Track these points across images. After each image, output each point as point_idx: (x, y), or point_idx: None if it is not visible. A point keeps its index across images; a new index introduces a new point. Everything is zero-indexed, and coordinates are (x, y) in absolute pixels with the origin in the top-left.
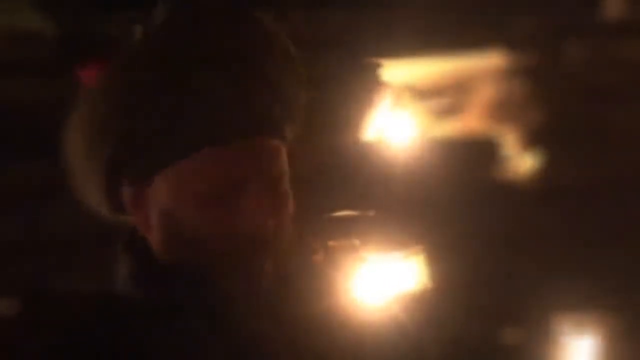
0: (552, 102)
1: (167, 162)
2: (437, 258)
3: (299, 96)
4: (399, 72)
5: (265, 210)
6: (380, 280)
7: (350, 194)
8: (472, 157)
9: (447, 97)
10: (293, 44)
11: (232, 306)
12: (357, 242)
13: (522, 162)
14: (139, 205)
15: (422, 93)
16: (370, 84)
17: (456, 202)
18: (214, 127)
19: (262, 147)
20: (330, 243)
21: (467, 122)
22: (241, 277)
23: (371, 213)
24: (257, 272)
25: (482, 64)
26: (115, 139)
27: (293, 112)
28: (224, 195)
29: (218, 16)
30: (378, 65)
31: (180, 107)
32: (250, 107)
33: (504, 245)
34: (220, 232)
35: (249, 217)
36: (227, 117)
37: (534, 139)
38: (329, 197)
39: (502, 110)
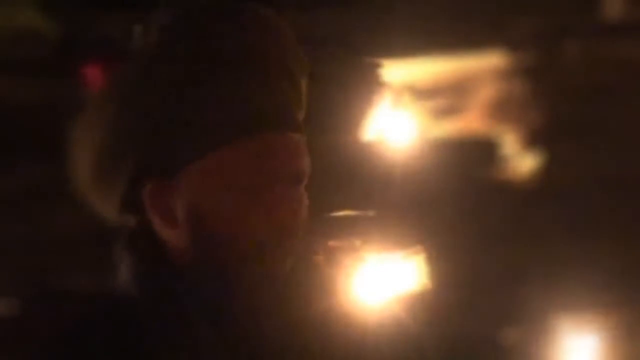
0: (552, 102)
1: (200, 154)
2: (437, 258)
3: (307, 91)
4: (399, 72)
5: (293, 206)
6: (380, 280)
7: (350, 194)
8: (472, 157)
9: (447, 97)
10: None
11: (234, 307)
12: (357, 242)
13: (522, 162)
14: (161, 202)
15: (422, 93)
16: (370, 84)
17: (456, 202)
18: (247, 120)
19: (294, 142)
20: (330, 243)
21: (467, 122)
22: (261, 273)
23: (371, 213)
24: (280, 269)
25: (482, 64)
26: (144, 135)
27: (304, 107)
28: (255, 189)
29: (234, 12)
30: (378, 65)
31: (212, 100)
32: (281, 102)
33: (504, 245)
34: (252, 226)
35: (278, 212)
36: (260, 110)
37: (534, 139)
38: (329, 197)
39: (502, 110)
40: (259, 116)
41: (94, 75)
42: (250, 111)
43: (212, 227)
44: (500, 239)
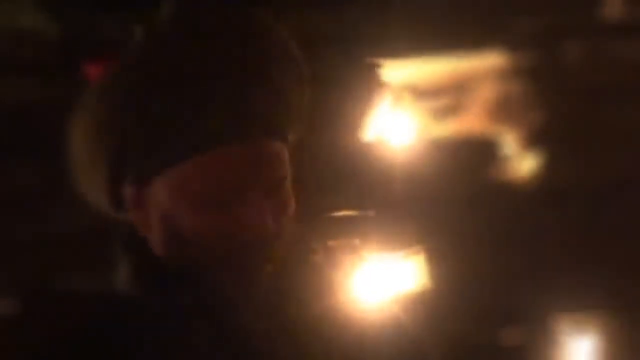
0: (552, 102)
1: (167, 164)
2: (437, 258)
3: (302, 97)
4: (399, 72)
5: (266, 214)
6: (380, 280)
7: (350, 194)
8: (472, 157)
9: (447, 97)
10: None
11: (232, 307)
12: (357, 242)
13: (522, 162)
14: (139, 205)
15: (422, 93)
16: (370, 84)
17: (456, 202)
18: (215, 130)
19: (264, 149)
20: (330, 243)
21: (467, 122)
22: (240, 279)
23: (371, 213)
24: (257, 275)
25: (482, 64)
26: (117, 139)
27: (295, 114)
28: (224, 198)
29: (220, 17)
30: (378, 65)
31: (180, 109)
32: (251, 109)
33: (504, 245)
34: (219, 235)
35: (248, 221)
36: (227, 119)
37: (534, 139)
38: (329, 197)
39: (502, 110)
40: (225, 126)
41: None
42: (215, 122)
43: (182, 236)
44: (500, 239)
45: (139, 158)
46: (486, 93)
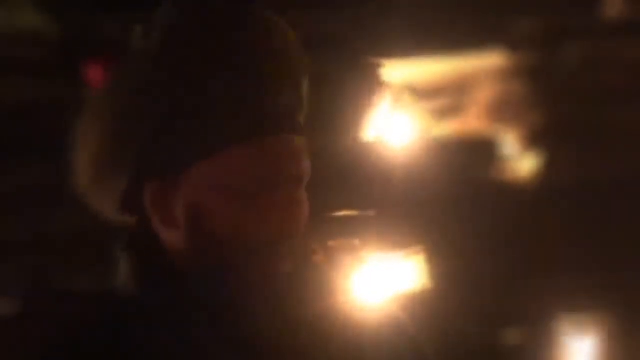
0: (552, 102)
1: (201, 157)
2: (437, 258)
3: (307, 94)
4: (399, 72)
5: (295, 209)
6: (380, 280)
7: (350, 194)
8: (472, 157)
9: (447, 97)
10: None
11: (233, 307)
12: (357, 242)
13: (522, 162)
14: (162, 202)
15: (422, 93)
16: (370, 84)
17: (456, 202)
18: (249, 122)
19: (296, 145)
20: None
21: (467, 122)
22: (262, 277)
23: (371, 213)
24: (278, 272)
25: (482, 64)
26: (146, 135)
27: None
28: (258, 192)
29: (240, 12)
30: (378, 65)
31: (213, 102)
32: (284, 105)
33: (504, 245)
34: (252, 230)
35: (280, 216)
36: (263, 113)
37: (534, 139)
38: (329, 197)
39: (502, 110)
40: (260, 119)
41: (94, 75)
42: (251, 114)
43: (211, 228)
44: (500, 240)
45: (170, 151)
46: (486, 93)
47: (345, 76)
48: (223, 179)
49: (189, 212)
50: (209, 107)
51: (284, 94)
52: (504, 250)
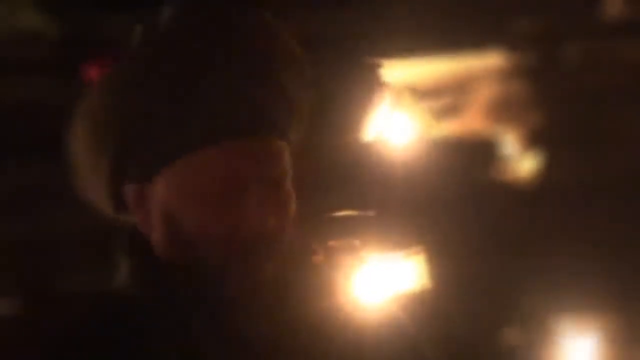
0: (552, 102)
1: (169, 160)
2: (437, 258)
3: (304, 97)
4: (399, 72)
5: (267, 211)
6: (380, 280)
7: (350, 194)
8: (472, 157)
9: (447, 97)
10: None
11: (232, 306)
12: (357, 242)
13: (522, 162)
14: (141, 204)
15: (422, 93)
16: (370, 84)
17: (456, 202)
18: (216, 126)
19: (265, 146)
20: (330, 243)
21: (467, 122)
22: (241, 277)
23: (371, 213)
24: (258, 273)
25: (482, 64)
26: (119, 136)
27: (297, 113)
28: (225, 194)
29: (222, 15)
30: (378, 65)
31: (182, 106)
32: (254, 106)
33: (504, 245)
34: (221, 233)
35: (250, 217)
36: (229, 115)
37: (534, 139)
38: (329, 197)
39: (502, 110)
40: (230, 121)
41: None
42: (222, 116)
43: (184, 232)
44: (500, 240)
45: (140, 156)
46: (486, 93)
47: (345, 76)
48: (186, 185)
49: (163, 216)
50: (179, 109)
51: (258, 95)
52: (504, 250)
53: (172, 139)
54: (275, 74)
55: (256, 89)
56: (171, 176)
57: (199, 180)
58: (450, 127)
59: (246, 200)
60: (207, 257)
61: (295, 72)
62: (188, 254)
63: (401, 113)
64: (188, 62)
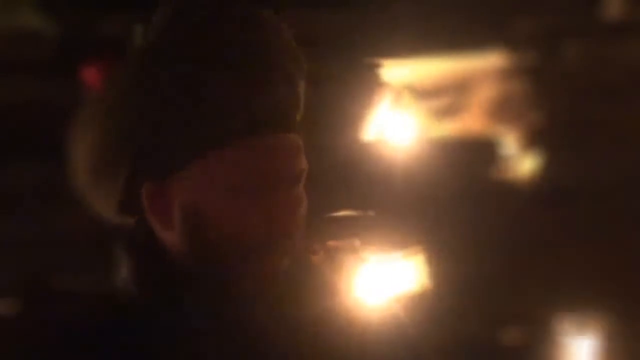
0: (552, 102)
1: (195, 155)
2: (437, 258)
3: (305, 93)
4: (399, 72)
5: (294, 207)
6: (380, 280)
7: (350, 194)
8: (472, 157)
9: (447, 97)
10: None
11: (237, 307)
12: (357, 242)
13: (522, 162)
14: (158, 202)
15: (422, 93)
16: (370, 84)
17: (456, 202)
18: (243, 120)
19: (290, 142)
20: (330, 243)
21: (467, 122)
22: (257, 276)
23: (371, 213)
24: (277, 270)
25: (482, 64)
26: (138, 135)
27: (301, 109)
28: (252, 190)
29: (234, 11)
30: (378, 65)
31: (208, 100)
32: (278, 102)
33: (504, 246)
34: (249, 228)
35: (280, 214)
36: (256, 110)
37: (534, 139)
38: (329, 197)
39: (502, 110)
40: (255, 118)
41: (94, 75)
42: (246, 113)
43: (208, 228)
44: (500, 239)
45: (163, 153)
46: (486, 93)
47: (345, 76)
48: (215, 180)
49: (186, 214)
50: (200, 107)
51: (277, 92)
52: (504, 250)
53: (197, 136)
54: (288, 71)
55: (277, 85)
56: (197, 172)
57: (225, 176)
58: (450, 127)
59: (275, 197)
60: (227, 256)
61: (301, 67)
62: (208, 251)
63: (401, 113)
64: (206, 58)
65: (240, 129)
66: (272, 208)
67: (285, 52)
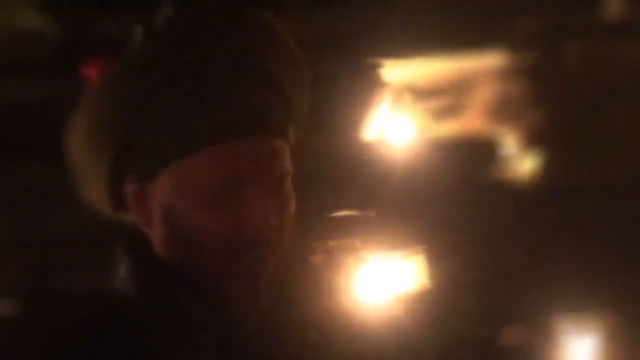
0: (552, 102)
1: (170, 160)
2: (437, 258)
3: (303, 97)
4: (399, 72)
5: (267, 210)
6: (380, 280)
7: (350, 194)
8: (472, 157)
9: (447, 97)
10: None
11: (233, 308)
12: (357, 242)
13: (522, 162)
14: (141, 203)
15: (422, 93)
16: (370, 84)
17: (456, 202)
18: (216, 126)
19: (266, 146)
20: (330, 243)
21: (467, 122)
22: (242, 278)
23: (371, 213)
24: (258, 273)
25: (482, 64)
26: (119, 136)
27: (297, 113)
28: (225, 193)
29: (222, 15)
30: (378, 65)
31: (182, 105)
32: (254, 106)
33: (504, 245)
34: (222, 231)
35: (250, 217)
36: (229, 115)
37: (534, 139)
38: (329, 197)
39: (502, 110)
40: (229, 121)
41: (94, 75)
42: (220, 116)
43: (185, 230)
44: (500, 239)
45: (140, 156)
46: (486, 93)
47: (345, 76)
48: (191, 181)
49: (164, 215)
50: (179, 109)
51: (257, 95)
52: (504, 250)
53: (172, 140)
54: (274, 74)
55: (254, 89)
56: (172, 176)
57: (199, 180)
58: (450, 127)
59: (246, 200)
60: (207, 257)
61: (295, 72)
62: (188, 253)
63: (401, 113)
64: (187, 63)
65: (211, 133)
66: (244, 212)
67: (275, 55)
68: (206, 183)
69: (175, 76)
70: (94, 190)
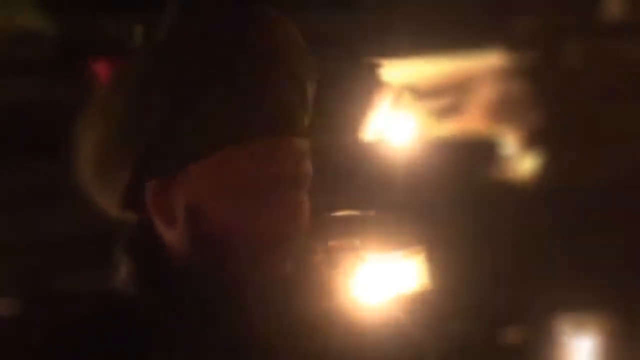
0: (552, 102)
1: (199, 157)
2: (437, 258)
3: (312, 95)
4: (399, 72)
5: (296, 211)
6: (380, 280)
7: (350, 194)
8: (472, 157)
9: (447, 97)
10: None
11: (236, 308)
12: (357, 242)
13: (522, 162)
14: (162, 201)
15: (422, 93)
16: (370, 84)
17: (456, 202)
18: (247, 124)
19: (296, 146)
20: (330, 243)
21: (467, 122)
22: (262, 278)
23: (371, 213)
24: (280, 272)
25: (482, 64)
26: (145, 132)
27: (309, 111)
28: (257, 190)
29: (244, 12)
30: (378, 65)
31: (217, 101)
32: (287, 105)
33: (504, 245)
34: (255, 230)
35: (287, 216)
36: (267, 113)
37: (534, 139)
38: (329, 197)
39: (502, 110)
40: (259, 120)
41: (94, 75)
42: (249, 115)
43: (208, 229)
44: (500, 239)
45: (166, 152)
46: (486, 93)
47: (345, 76)
48: (220, 180)
49: (189, 213)
50: (208, 106)
51: (285, 95)
52: (504, 250)
53: (207, 133)
54: (297, 74)
55: (285, 89)
56: (203, 170)
57: (231, 176)
58: (450, 127)
59: (285, 200)
60: (228, 257)
61: (310, 72)
62: (210, 253)
63: (401, 113)
64: (217, 58)
65: (240, 132)
66: (274, 211)
67: (294, 54)
68: (240, 180)
69: (210, 71)
70: (109, 190)
